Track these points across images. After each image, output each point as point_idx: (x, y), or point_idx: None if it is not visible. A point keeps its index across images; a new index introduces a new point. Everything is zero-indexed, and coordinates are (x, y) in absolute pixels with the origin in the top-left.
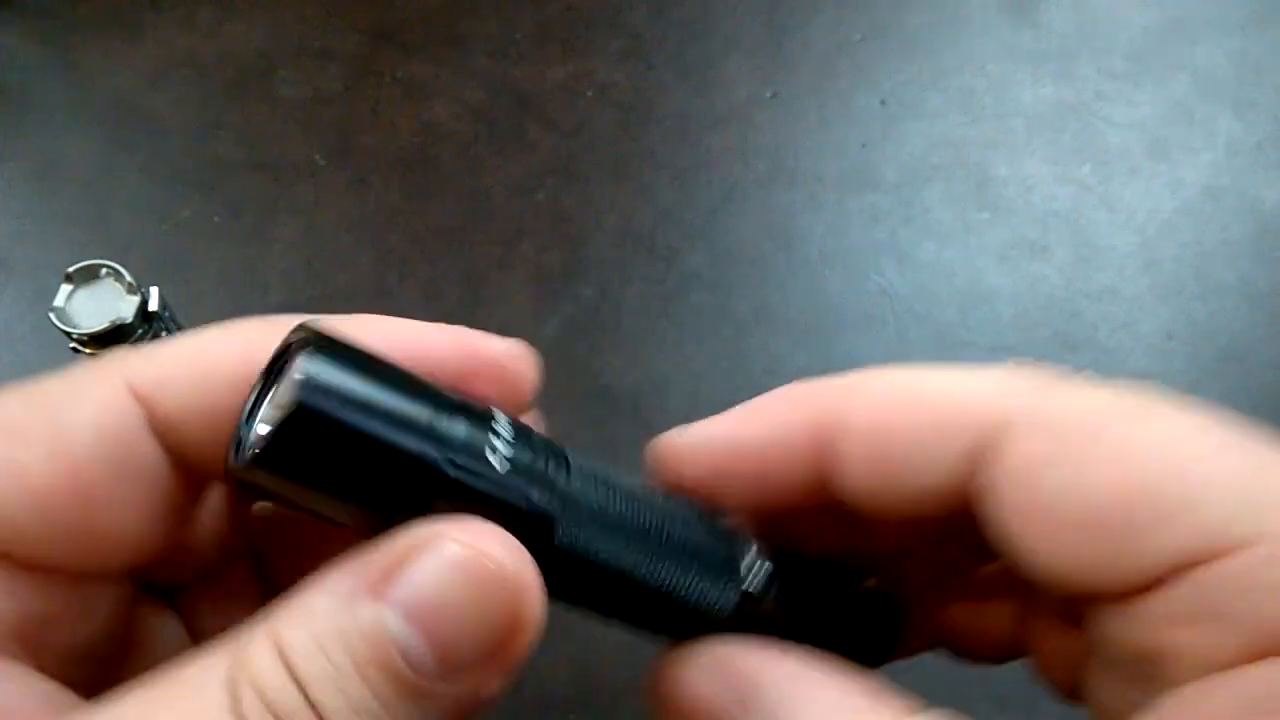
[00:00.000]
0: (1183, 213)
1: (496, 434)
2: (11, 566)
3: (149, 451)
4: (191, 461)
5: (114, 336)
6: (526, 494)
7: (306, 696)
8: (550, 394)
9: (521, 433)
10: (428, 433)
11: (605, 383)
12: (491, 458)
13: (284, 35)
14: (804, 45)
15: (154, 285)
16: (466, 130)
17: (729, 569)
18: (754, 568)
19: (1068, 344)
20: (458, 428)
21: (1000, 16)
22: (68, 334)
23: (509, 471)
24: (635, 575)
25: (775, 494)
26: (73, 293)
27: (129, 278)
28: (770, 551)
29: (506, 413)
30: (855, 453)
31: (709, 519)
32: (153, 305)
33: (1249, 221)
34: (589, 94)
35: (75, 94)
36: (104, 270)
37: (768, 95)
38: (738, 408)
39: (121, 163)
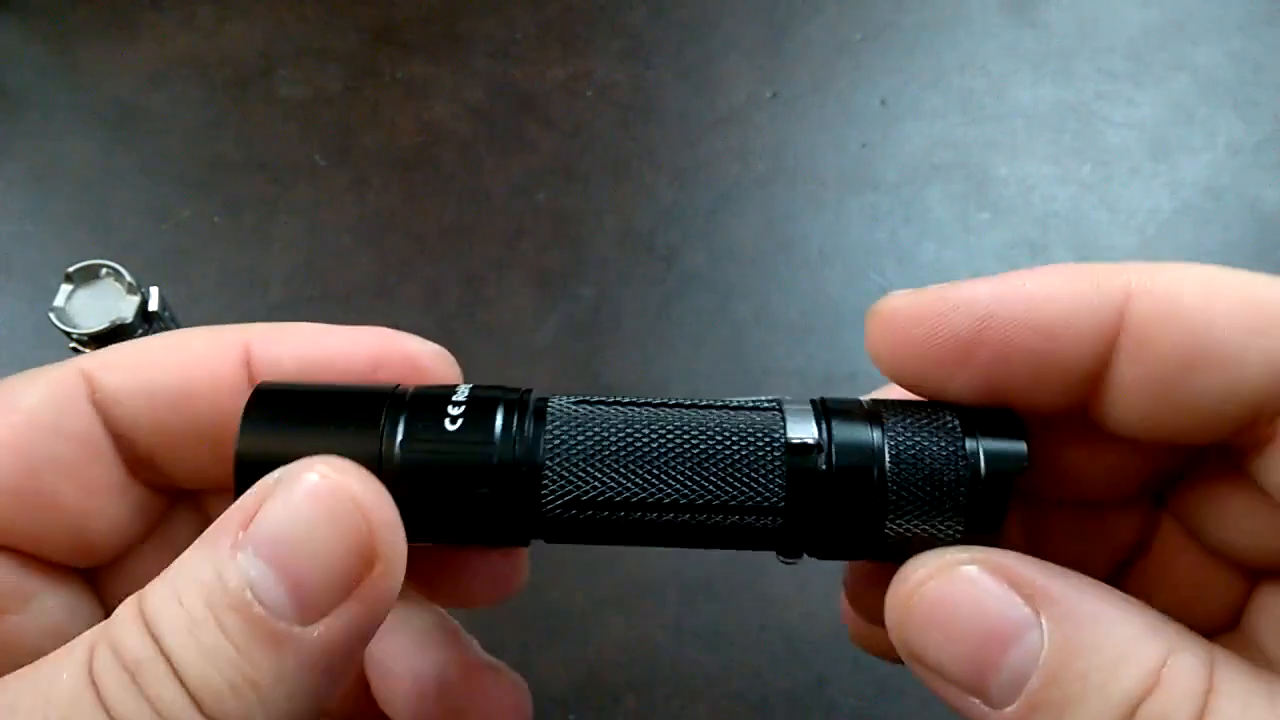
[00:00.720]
0: (1183, 213)
1: (450, 407)
2: None
3: (87, 420)
4: (132, 441)
5: (114, 336)
6: (488, 452)
7: (160, 647)
8: (550, 394)
9: (478, 400)
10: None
11: (605, 382)
12: (448, 427)
13: (284, 35)
14: (804, 45)
15: (154, 285)
16: (466, 130)
17: (766, 458)
18: (815, 438)
19: None
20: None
21: (1000, 16)
22: (68, 334)
23: (461, 436)
24: (646, 501)
25: (1033, 378)
26: (73, 293)
27: (129, 278)
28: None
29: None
30: (1165, 343)
31: (740, 412)
32: (153, 305)
33: (1249, 221)
34: (589, 94)
35: (75, 94)
36: (104, 270)
37: (768, 95)
38: (993, 277)
39: (121, 163)
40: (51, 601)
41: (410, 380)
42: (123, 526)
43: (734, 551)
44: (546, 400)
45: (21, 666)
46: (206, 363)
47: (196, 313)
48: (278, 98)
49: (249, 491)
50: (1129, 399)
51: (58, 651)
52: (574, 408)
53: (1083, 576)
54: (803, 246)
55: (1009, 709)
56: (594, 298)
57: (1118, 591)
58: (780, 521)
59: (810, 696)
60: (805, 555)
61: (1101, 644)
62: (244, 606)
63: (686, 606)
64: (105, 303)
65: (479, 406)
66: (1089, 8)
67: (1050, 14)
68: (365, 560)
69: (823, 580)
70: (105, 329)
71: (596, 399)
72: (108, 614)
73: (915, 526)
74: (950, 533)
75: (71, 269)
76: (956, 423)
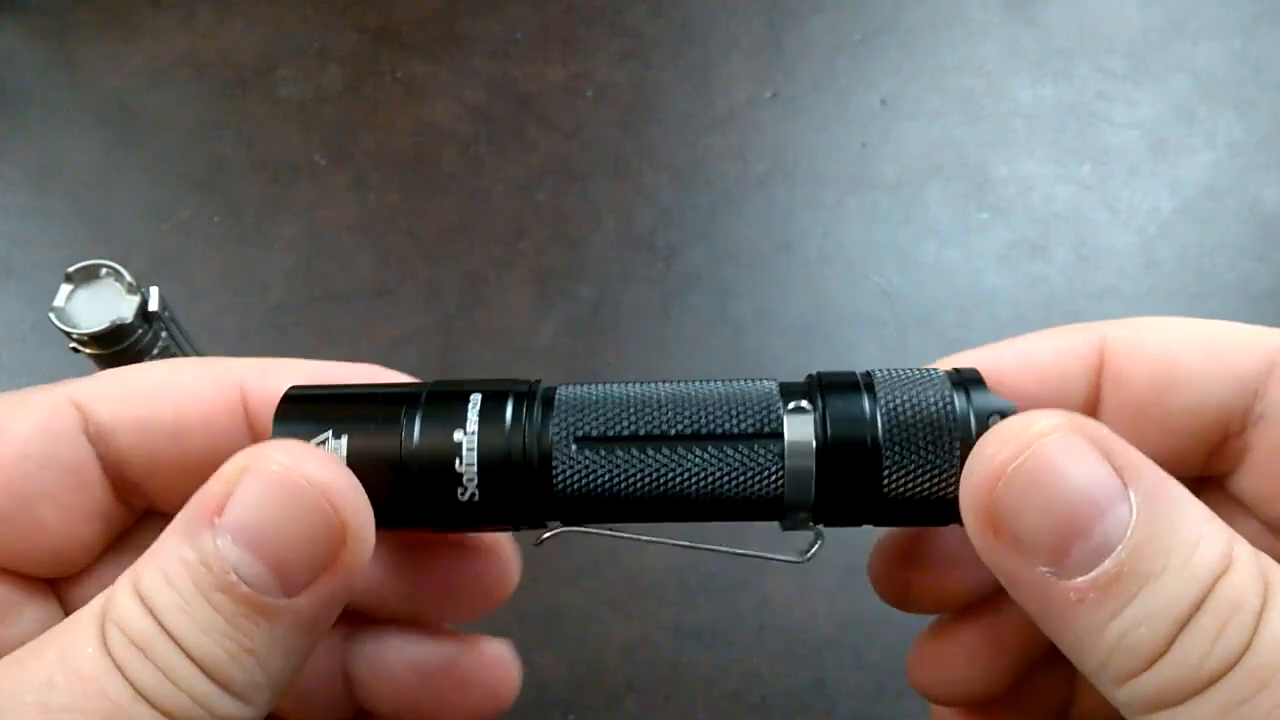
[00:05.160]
0: (1183, 213)
1: (463, 400)
2: None
3: (79, 450)
4: (123, 471)
5: (114, 336)
6: (500, 439)
7: (160, 624)
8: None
9: (490, 394)
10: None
11: (605, 382)
12: (462, 420)
13: (284, 35)
14: (804, 45)
15: (154, 285)
16: (466, 130)
17: (766, 433)
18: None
19: None
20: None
21: (1000, 16)
22: (68, 334)
23: (473, 428)
24: (657, 482)
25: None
26: (73, 293)
27: (129, 278)
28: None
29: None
30: (1137, 369)
31: (741, 391)
32: (153, 305)
33: (1249, 221)
34: (589, 94)
35: (75, 94)
36: (104, 270)
37: (768, 95)
38: (989, 345)
39: (121, 163)
40: (26, 612)
41: None
42: (98, 542)
43: (734, 552)
44: (554, 389)
45: None
46: (201, 400)
47: (196, 313)
48: (278, 98)
49: (216, 476)
50: (1115, 428)
51: (63, 624)
52: (578, 392)
53: (1155, 464)
54: (803, 246)
55: (1083, 578)
56: (594, 298)
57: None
58: (781, 488)
59: (810, 696)
60: (812, 526)
61: (1182, 523)
62: (230, 587)
63: (686, 606)
64: (105, 303)
65: (491, 399)
66: (1089, 8)
67: (1050, 14)
68: (336, 537)
69: (823, 580)
70: (105, 329)
71: (601, 384)
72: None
73: (914, 485)
74: (949, 488)
75: (71, 269)
76: (944, 379)
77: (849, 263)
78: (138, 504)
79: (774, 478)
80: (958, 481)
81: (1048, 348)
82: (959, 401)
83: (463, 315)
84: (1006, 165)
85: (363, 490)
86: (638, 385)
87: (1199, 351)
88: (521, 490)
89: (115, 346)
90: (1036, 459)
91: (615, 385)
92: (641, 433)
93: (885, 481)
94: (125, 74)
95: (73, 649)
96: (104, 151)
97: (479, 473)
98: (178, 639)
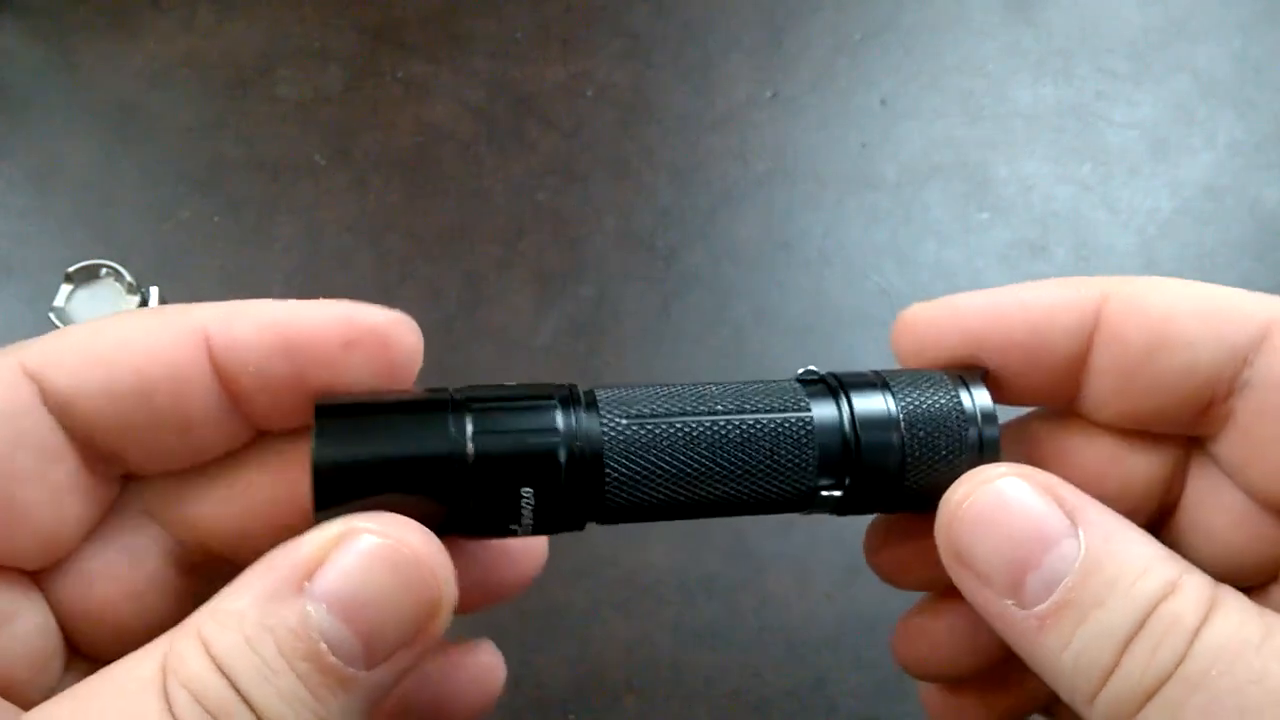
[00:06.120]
0: (1183, 213)
1: (481, 411)
2: None
3: (45, 426)
4: (93, 440)
5: None
6: (536, 446)
7: (238, 691)
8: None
9: (513, 398)
10: (436, 437)
11: (605, 382)
12: (513, 423)
13: (284, 35)
14: (804, 45)
15: (154, 285)
16: (466, 130)
17: (802, 437)
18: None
19: None
20: (461, 420)
21: (1000, 16)
22: None
23: (522, 432)
24: (701, 479)
25: (1027, 367)
26: (73, 293)
27: (129, 278)
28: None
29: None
30: (1131, 326)
31: (776, 390)
32: (153, 305)
33: (1249, 221)
34: (589, 94)
35: (75, 94)
36: (104, 270)
37: (768, 95)
38: (993, 288)
39: (121, 163)
40: (19, 615)
41: (380, 353)
42: (81, 521)
43: (734, 551)
44: (594, 392)
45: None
46: (164, 352)
47: None
48: (278, 98)
49: (305, 543)
50: (1104, 384)
51: (115, 679)
52: (623, 395)
53: (1107, 507)
54: (802, 246)
55: (1040, 607)
56: (594, 297)
57: (1135, 526)
58: (813, 487)
59: (810, 696)
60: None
61: (1128, 556)
62: (317, 656)
63: (686, 606)
64: (105, 302)
65: (536, 399)
66: (1089, 8)
67: (1050, 14)
68: (431, 613)
69: (823, 580)
70: None
71: (640, 386)
72: (55, 610)
73: (932, 475)
74: (963, 459)
75: (71, 269)
76: (948, 379)
77: (849, 263)
78: (111, 471)
79: (808, 485)
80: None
81: (1047, 297)
82: (965, 398)
83: (463, 315)
84: (1006, 165)
85: (451, 563)
86: (672, 384)
87: (1195, 315)
88: (572, 516)
89: None
90: (986, 498)
91: (652, 385)
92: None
93: (907, 475)
94: (125, 74)
95: (134, 713)
96: (104, 151)
97: (535, 519)
98: (258, 708)
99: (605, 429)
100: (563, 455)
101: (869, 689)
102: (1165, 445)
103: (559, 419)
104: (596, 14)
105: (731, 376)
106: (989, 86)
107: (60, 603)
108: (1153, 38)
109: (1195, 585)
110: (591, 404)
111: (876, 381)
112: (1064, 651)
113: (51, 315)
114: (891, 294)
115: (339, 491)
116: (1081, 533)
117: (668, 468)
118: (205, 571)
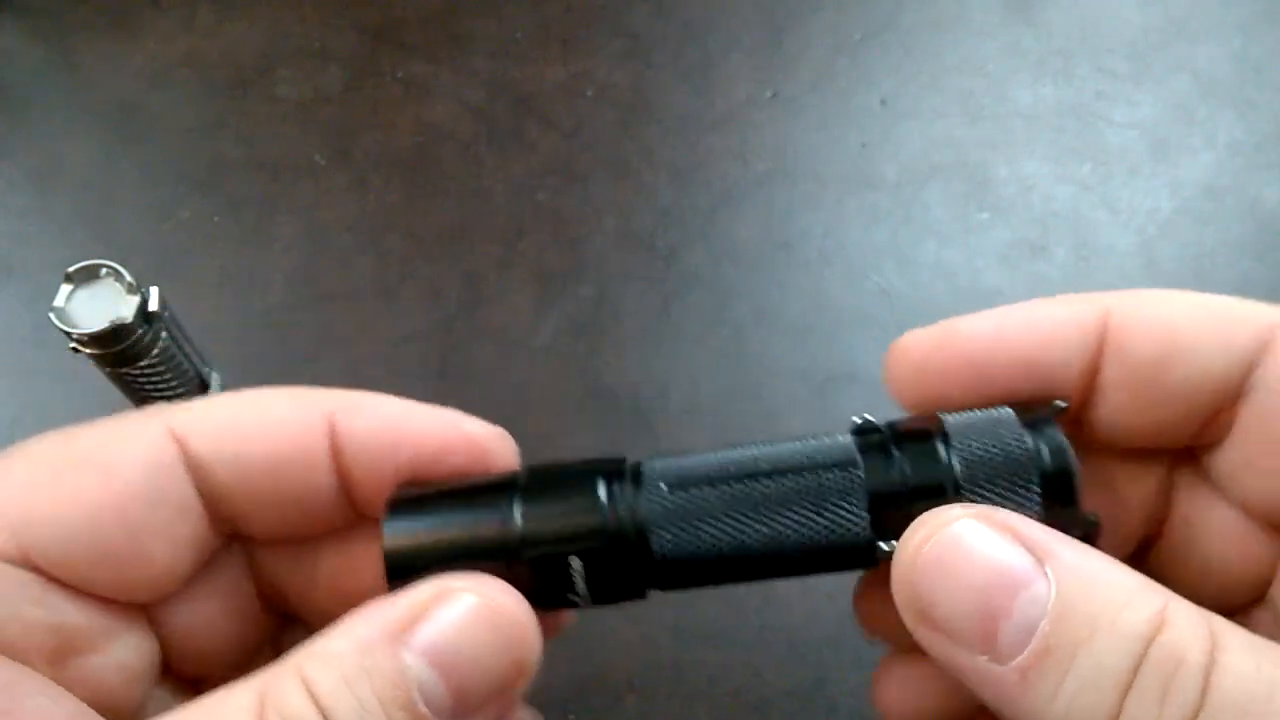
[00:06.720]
0: (1183, 213)
1: (526, 495)
2: (51, 584)
3: (183, 486)
4: (219, 503)
5: (114, 337)
6: (580, 525)
7: None
8: (550, 394)
9: (558, 472)
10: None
11: (605, 382)
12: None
13: (284, 35)
14: (804, 45)
15: (154, 285)
16: (466, 130)
17: (851, 503)
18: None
19: None
20: (515, 509)
21: (1000, 16)
22: (68, 334)
23: (566, 512)
24: (752, 547)
25: (1038, 388)
26: (73, 293)
27: (129, 278)
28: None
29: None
30: (1139, 339)
31: (821, 450)
32: (153, 305)
33: (1249, 221)
34: (589, 94)
35: (75, 94)
36: (104, 270)
37: (767, 95)
38: (991, 310)
39: (121, 163)
40: (122, 639)
41: (475, 465)
42: (192, 568)
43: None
44: (641, 464)
45: (104, 705)
46: (294, 436)
47: (196, 313)
48: (278, 98)
49: (405, 598)
50: (1117, 398)
51: (213, 708)
52: (669, 465)
53: (1078, 541)
54: (802, 246)
55: (1018, 660)
56: (594, 298)
57: (1110, 557)
58: (870, 545)
59: (810, 696)
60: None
61: (1105, 589)
62: (411, 706)
63: (687, 606)
64: (105, 303)
65: (582, 478)
66: (1089, 8)
67: (1050, 14)
68: (519, 671)
69: (824, 581)
70: (105, 329)
71: (687, 454)
72: (161, 643)
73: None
74: (1033, 511)
75: (71, 269)
76: (1014, 421)
77: (849, 263)
78: (224, 530)
79: (858, 544)
80: (1039, 510)
81: (1053, 315)
82: (1030, 439)
83: (463, 315)
84: (1006, 165)
85: (539, 625)
86: (717, 449)
87: (1200, 325)
88: (627, 586)
89: (115, 346)
90: (942, 544)
91: (698, 452)
92: (730, 472)
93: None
94: (125, 74)
95: None
96: (104, 151)
97: (590, 592)
98: None
99: (649, 500)
100: (606, 530)
101: (869, 689)
102: (1154, 465)
103: (602, 494)
104: (596, 14)
105: (731, 376)
106: (989, 86)
107: (159, 627)
108: (1153, 38)
109: (1186, 617)
110: (637, 476)
111: (934, 429)
112: (1053, 703)
113: (51, 315)
114: (891, 294)
115: (408, 572)
116: (1051, 571)
117: (715, 536)
118: (285, 610)
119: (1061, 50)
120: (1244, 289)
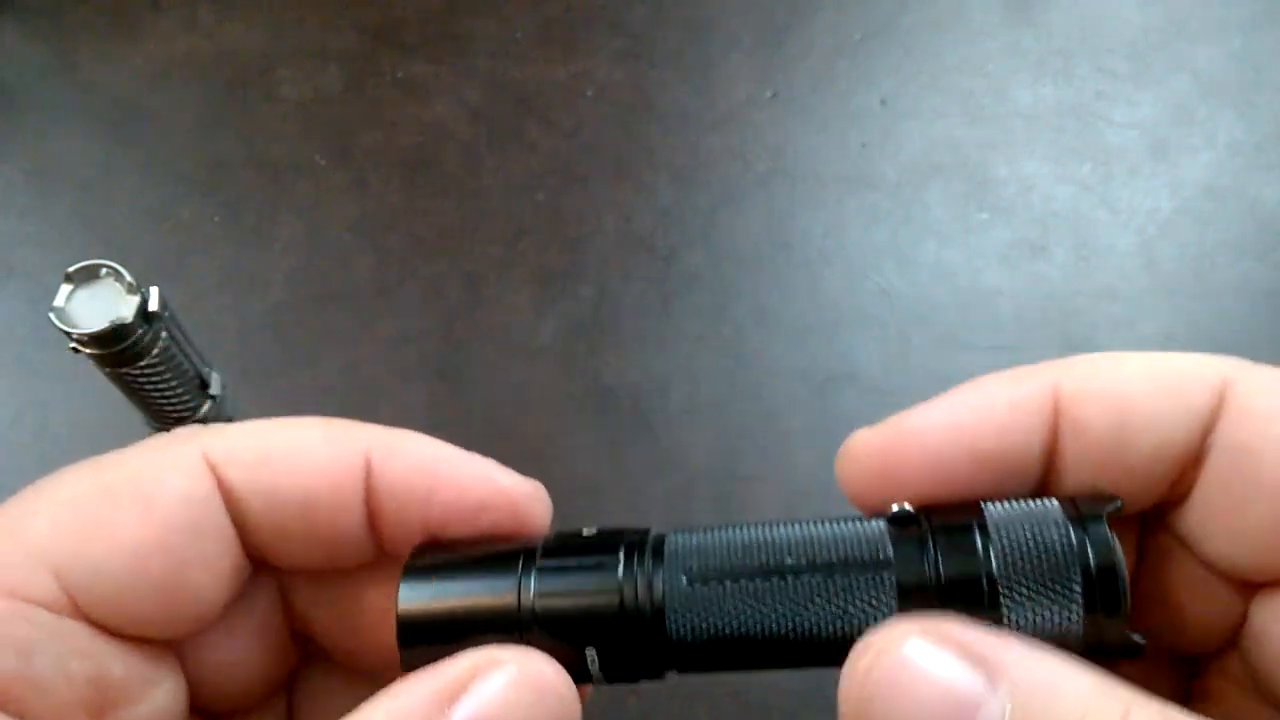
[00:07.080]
0: (1183, 213)
1: (542, 572)
2: (94, 631)
3: (220, 517)
4: (251, 534)
5: (114, 336)
6: (594, 607)
7: None
8: (550, 394)
9: (577, 546)
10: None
11: (605, 382)
12: (576, 575)
13: (284, 35)
14: (804, 45)
15: (154, 285)
16: (466, 130)
17: (877, 578)
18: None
19: (1068, 344)
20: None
21: (1000, 16)
22: (68, 334)
23: (582, 592)
24: (771, 634)
25: (1001, 477)
26: (73, 293)
27: (129, 278)
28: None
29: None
30: (1095, 414)
31: (849, 529)
32: (153, 305)
33: (1249, 221)
34: (589, 94)
35: (75, 94)
36: (104, 270)
37: (768, 95)
38: (937, 399)
39: (121, 163)
40: (161, 685)
41: (508, 521)
42: (225, 603)
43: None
44: (664, 540)
45: None
46: (331, 473)
47: (196, 313)
48: (278, 98)
49: (449, 669)
50: (1079, 476)
51: None
52: (692, 544)
53: (1029, 639)
54: (803, 246)
55: None
56: (594, 298)
57: (1067, 654)
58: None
59: (810, 696)
60: None
61: (1062, 701)
62: None
63: None
64: (105, 303)
65: (601, 550)
66: (1089, 8)
67: (1050, 14)
68: None
69: None
70: (105, 329)
71: (711, 530)
72: (189, 679)
73: (1033, 618)
74: (1072, 619)
75: (71, 269)
76: (1061, 515)
77: (849, 263)
78: (255, 560)
79: (886, 606)
80: (1081, 612)
81: (1001, 398)
82: (1075, 534)
83: (463, 315)
84: (1006, 165)
85: (578, 695)
86: (743, 527)
87: (1153, 392)
88: (643, 668)
89: (115, 346)
90: (890, 668)
91: (723, 529)
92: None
93: (1005, 617)
94: (125, 74)
95: None
96: (104, 151)
97: (604, 671)
98: None
99: (667, 588)
100: (621, 615)
101: None
102: (1122, 525)
103: (620, 575)
104: (596, 14)
105: (731, 376)
106: (989, 86)
107: (188, 664)
108: (1153, 38)
109: (1148, 717)
110: (658, 554)
111: (974, 520)
112: None
113: (51, 315)
114: (891, 294)
115: (421, 638)
116: (1002, 689)
117: (735, 628)
118: (311, 640)
119: (1061, 50)
120: (1244, 289)
